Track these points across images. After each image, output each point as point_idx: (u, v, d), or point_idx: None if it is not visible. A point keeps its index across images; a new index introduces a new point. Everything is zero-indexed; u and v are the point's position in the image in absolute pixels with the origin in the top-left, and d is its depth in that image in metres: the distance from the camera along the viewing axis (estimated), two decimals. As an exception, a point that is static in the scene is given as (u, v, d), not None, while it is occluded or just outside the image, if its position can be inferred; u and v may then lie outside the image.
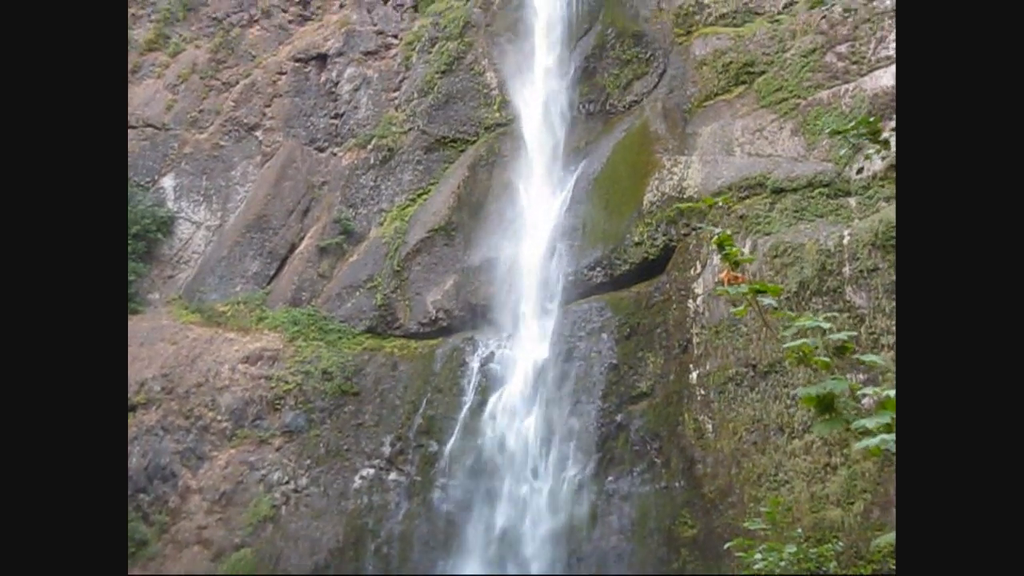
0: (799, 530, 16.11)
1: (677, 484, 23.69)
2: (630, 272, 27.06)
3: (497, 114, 32.22)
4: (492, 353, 28.04)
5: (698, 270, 25.15)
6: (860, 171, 23.23)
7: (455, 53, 33.51)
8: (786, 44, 27.97)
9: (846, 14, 26.95)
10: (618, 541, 24.17)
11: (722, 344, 23.80)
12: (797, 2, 28.81)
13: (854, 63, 26.36)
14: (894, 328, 21.05)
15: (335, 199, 33.32)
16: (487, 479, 26.18)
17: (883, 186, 23.43)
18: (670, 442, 24.09)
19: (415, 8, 36.07)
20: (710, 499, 22.81)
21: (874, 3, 26.60)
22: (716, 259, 23.11)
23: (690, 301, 24.98)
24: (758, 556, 10.12)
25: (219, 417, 28.39)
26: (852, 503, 20.52)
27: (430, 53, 34.20)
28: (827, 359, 4.28)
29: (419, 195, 32.29)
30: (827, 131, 24.87)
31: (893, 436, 3.95)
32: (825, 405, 4.21)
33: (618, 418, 25.06)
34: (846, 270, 22.58)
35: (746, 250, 24.09)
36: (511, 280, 29.00)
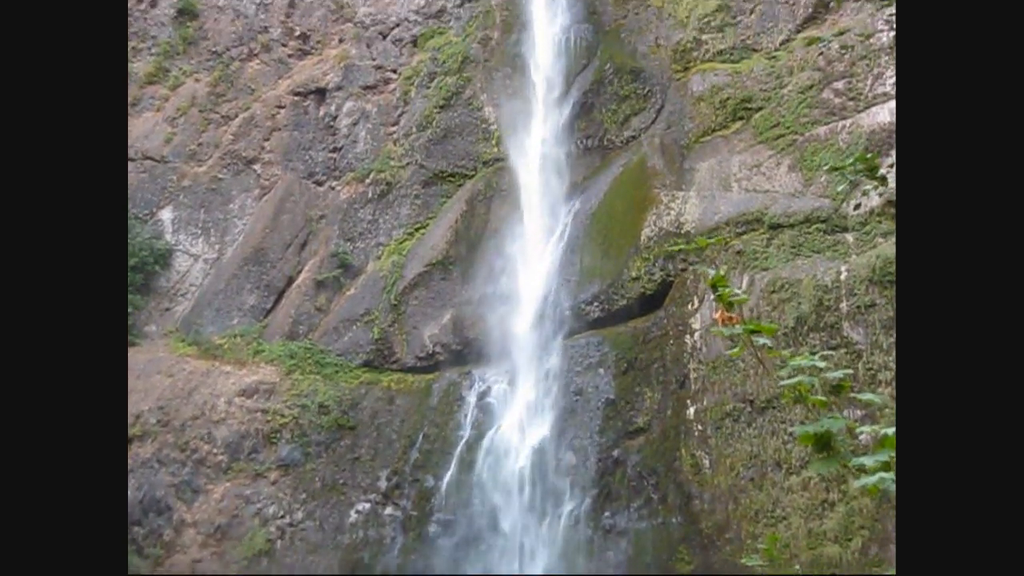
0: (797, 567, 16.08)
1: (674, 520, 23.62)
2: (627, 307, 27.07)
3: (495, 149, 32.31)
4: (489, 388, 27.99)
5: (695, 305, 25.15)
6: (857, 207, 23.27)
7: (453, 88, 33.64)
8: (783, 80, 28.08)
9: (843, 51, 27.07)
10: (615, 577, 24.08)
11: (719, 380, 23.76)
12: (794, 39, 28.95)
13: (851, 99, 26.46)
14: (892, 364, 21.04)
15: (333, 233, 33.34)
16: (483, 514, 26.08)
17: (880, 222, 23.47)
18: (667, 477, 24.03)
19: (414, 43, 36.22)
20: (707, 535, 22.72)
21: (871, 40, 26.72)
22: (713, 295, 23.14)
23: (687, 336, 24.97)
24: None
25: (215, 450, 28.28)
26: (850, 540, 20.45)
27: (429, 88, 34.33)
28: (824, 398, 4.27)
29: (417, 229, 32.34)
30: (824, 167, 24.98)
31: (892, 474, 3.94)
32: (823, 443, 4.20)
33: (615, 453, 25.00)
34: (843, 306, 22.58)
35: (743, 285, 24.11)
36: (508, 315, 28.98)
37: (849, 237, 24.17)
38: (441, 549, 26.16)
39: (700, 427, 23.74)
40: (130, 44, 36.51)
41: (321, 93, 35.98)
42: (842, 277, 22.89)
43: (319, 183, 34.76)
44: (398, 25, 36.85)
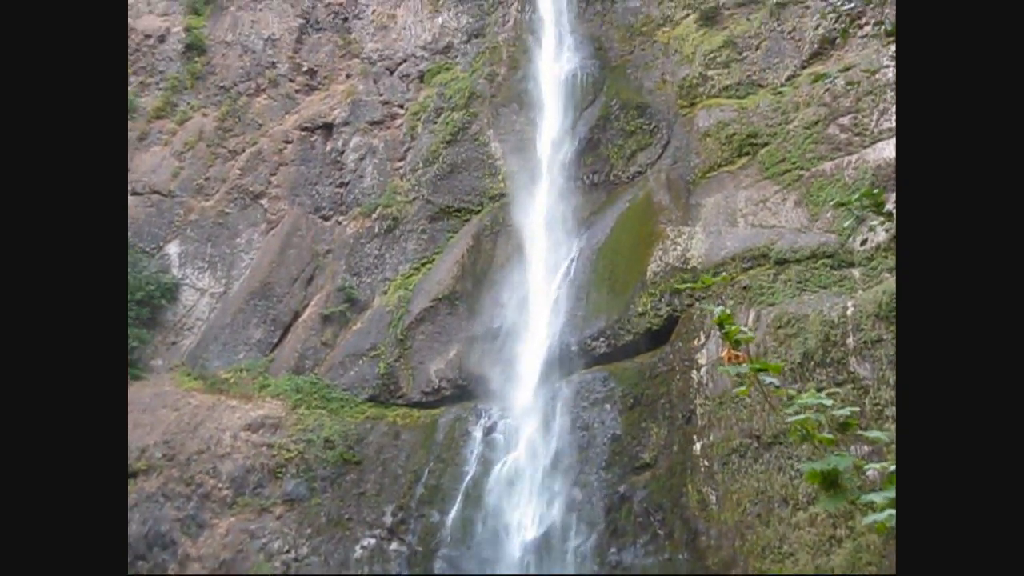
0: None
1: (681, 556, 23.47)
2: (634, 342, 27.02)
3: (501, 184, 32.38)
4: (495, 423, 27.92)
5: (702, 341, 25.11)
6: (864, 242, 23.27)
7: (460, 123, 33.76)
8: (789, 116, 28.17)
9: (849, 87, 27.16)
10: (621, 614, 23.94)
11: (726, 415, 23.69)
12: (800, 74, 29.06)
13: (857, 135, 26.53)
14: (899, 400, 20.94)
15: (339, 267, 33.38)
16: (490, 549, 25.96)
17: (887, 257, 23.46)
18: (674, 513, 23.92)
19: (421, 79, 36.39)
20: (714, 571, 22.58)
21: (876, 76, 26.81)
22: (719, 333, 23.11)
23: (694, 372, 24.91)
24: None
25: (220, 485, 28.20)
26: (858, 577, 20.33)
27: (435, 123, 34.45)
28: (831, 436, 4.26)
29: (423, 264, 32.37)
30: (830, 202, 24.99)
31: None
32: (830, 481, 4.19)
33: (621, 489, 24.90)
34: (850, 341, 22.53)
35: (750, 321, 24.08)
36: (514, 350, 28.96)
37: (855, 272, 24.16)
38: (446, 585, 26.05)
39: (707, 463, 23.65)
40: (138, 79, 36.72)
41: (328, 128, 36.12)
42: (848, 312, 22.86)
43: (326, 218, 34.84)
44: (405, 61, 37.05)
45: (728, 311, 4.65)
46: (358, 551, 27.12)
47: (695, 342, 25.31)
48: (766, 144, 28.21)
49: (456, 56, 36.17)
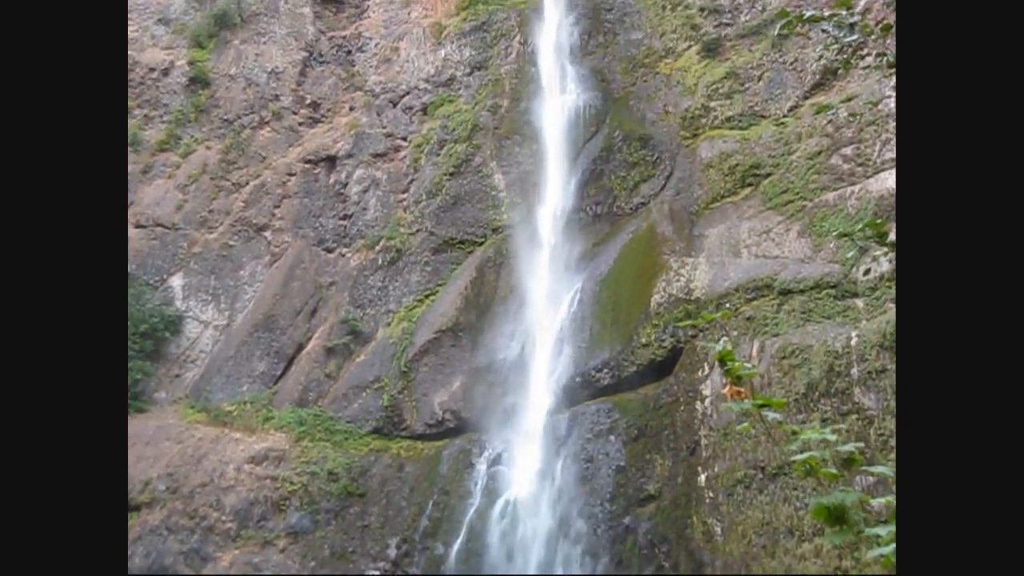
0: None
1: (686, 588, 23.37)
2: (638, 374, 26.99)
3: (504, 216, 32.45)
4: (499, 455, 27.86)
5: (706, 372, 25.06)
6: (867, 272, 23.28)
7: (463, 155, 33.86)
8: (792, 147, 28.24)
9: (851, 117, 27.23)
10: (626, 647, 23.82)
11: (730, 446, 23.62)
12: (802, 105, 29.15)
13: (859, 165, 26.57)
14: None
15: (343, 300, 33.41)
16: (494, 583, 25.87)
17: (890, 287, 23.45)
18: (678, 545, 23.81)
19: (424, 111, 36.53)
20: (719, 604, 22.47)
21: (879, 106, 26.87)
22: (722, 369, 23.08)
23: (698, 403, 24.85)
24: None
25: (224, 517, 28.12)
26: (864, 609, 20.21)
27: (439, 155, 34.55)
28: (835, 471, 4.24)
29: (427, 296, 32.40)
30: (834, 233, 25.02)
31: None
32: (836, 516, 4.16)
33: (626, 521, 24.81)
34: (854, 371, 22.48)
35: (753, 352, 24.05)
36: (518, 381, 28.93)
37: (859, 303, 24.15)
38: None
39: (711, 494, 23.57)
40: (142, 112, 36.86)
41: (331, 161, 36.23)
42: (852, 343, 22.82)
43: (329, 250, 34.90)
44: (408, 93, 37.20)
45: (729, 347, 4.64)
46: (362, 584, 27.02)
47: (699, 373, 25.26)
48: (769, 175, 28.28)
49: (459, 88, 36.31)
